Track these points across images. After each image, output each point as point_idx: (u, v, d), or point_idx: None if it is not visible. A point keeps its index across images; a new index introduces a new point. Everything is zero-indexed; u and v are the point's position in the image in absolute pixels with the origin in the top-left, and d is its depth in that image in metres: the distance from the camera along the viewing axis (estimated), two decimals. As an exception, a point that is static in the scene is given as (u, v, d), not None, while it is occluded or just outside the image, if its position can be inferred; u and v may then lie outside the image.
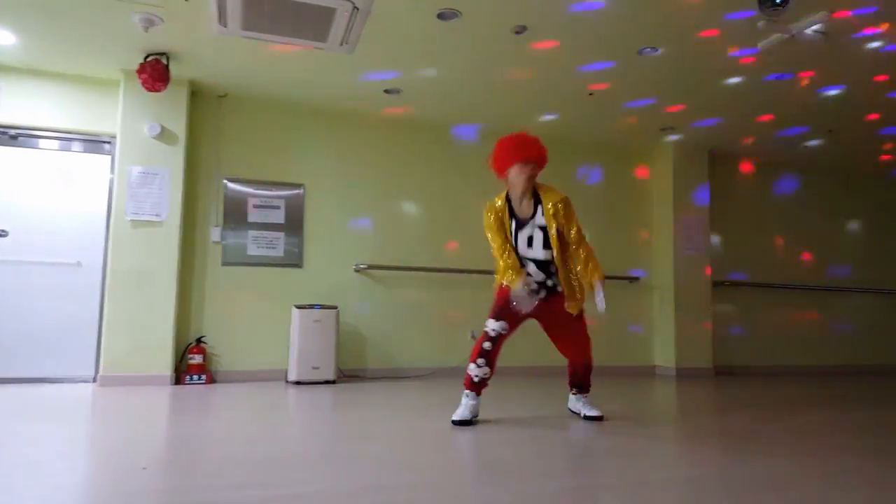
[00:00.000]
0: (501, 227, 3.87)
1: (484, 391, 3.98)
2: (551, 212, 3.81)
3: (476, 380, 3.82)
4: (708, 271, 7.51)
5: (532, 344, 6.10)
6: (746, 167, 8.13)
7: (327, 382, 5.75)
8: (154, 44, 5.05)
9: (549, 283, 3.89)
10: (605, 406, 4.59)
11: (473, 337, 6.73)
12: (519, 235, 3.86)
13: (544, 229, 3.83)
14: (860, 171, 8.56)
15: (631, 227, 7.61)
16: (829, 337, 8.30)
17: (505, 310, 3.81)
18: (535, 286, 3.85)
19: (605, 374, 7.07)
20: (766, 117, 6.51)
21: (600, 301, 3.78)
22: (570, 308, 3.87)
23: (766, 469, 2.76)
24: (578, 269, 3.88)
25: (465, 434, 3.49)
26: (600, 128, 6.92)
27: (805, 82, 5.57)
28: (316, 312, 5.81)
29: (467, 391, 3.86)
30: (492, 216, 3.88)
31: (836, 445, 3.35)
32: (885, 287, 8.63)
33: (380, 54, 5.14)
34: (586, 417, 4.03)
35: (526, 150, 3.80)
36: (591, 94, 5.95)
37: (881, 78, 5.45)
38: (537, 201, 3.88)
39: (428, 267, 6.58)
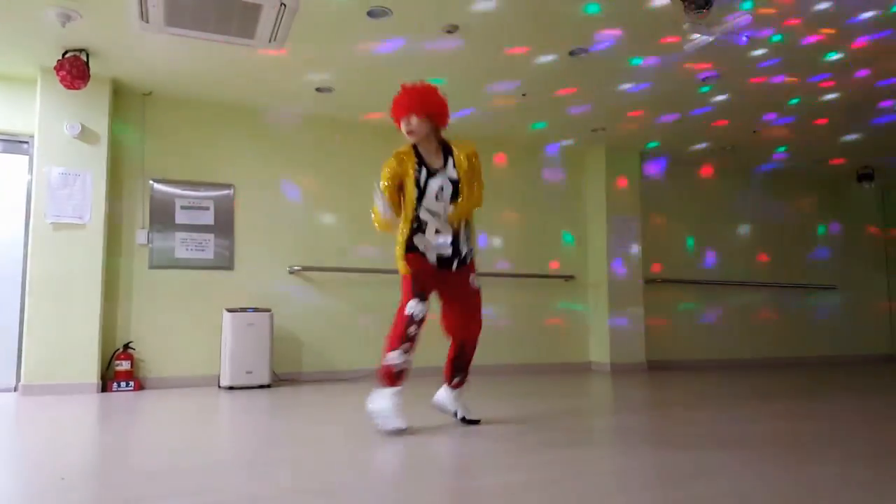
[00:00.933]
0: (398, 183, 3.53)
1: (404, 384, 3.50)
2: (464, 164, 3.56)
3: (397, 370, 3.40)
4: (639, 269, 7.68)
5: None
6: (676, 167, 8.33)
7: (261, 387, 5.64)
8: (73, 40, 4.86)
9: (458, 247, 3.59)
10: (540, 402, 4.64)
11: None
12: (430, 184, 3.51)
13: (455, 182, 3.54)
14: (788, 171, 8.87)
15: (565, 226, 7.71)
16: (756, 331, 8.59)
17: (423, 287, 3.49)
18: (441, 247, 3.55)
19: (542, 372, 7.15)
20: (694, 116, 6.69)
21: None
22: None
23: (692, 459, 2.82)
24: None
25: (391, 436, 3.46)
26: (532, 128, 6.99)
27: (729, 82, 5.76)
28: (249, 316, 5.69)
29: (391, 388, 3.43)
30: (392, 166, 3.52)
31: (759, 434, 3.45)
32: (809, 283, 8.97)
33: (310, 52, 5.07)
34: (465, 420, 3.71)
35: (402, 102, 3.49)
36: (524, 95, 5.99)
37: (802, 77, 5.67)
38: (448, 153, 3.60)
39: (364, 268, 6.52)
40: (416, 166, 3.53)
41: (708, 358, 8.18)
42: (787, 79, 5.63)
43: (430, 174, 3.54)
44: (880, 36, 4.80)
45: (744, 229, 8.71)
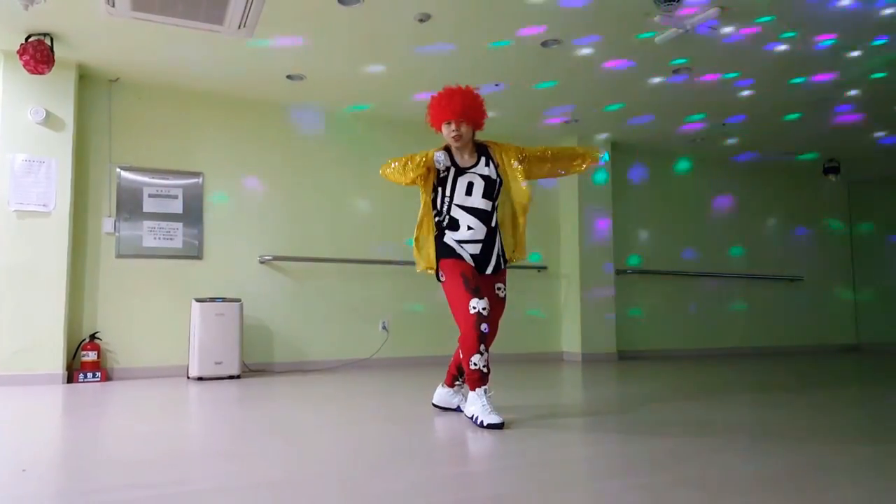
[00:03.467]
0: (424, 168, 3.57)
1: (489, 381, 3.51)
2: (511, 161, 3.70)
3: (485, 370, 3.39)
4: (611, 260, 7.73)
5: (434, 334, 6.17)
6: (646, 157, 8.39)
7: (231, 377, 5.59)
8: (36, 23, 4.75)
9: (490, 249, 3.62)
10: (509, 392, 4.66)
11: (385, 328, 6.69)
12: (458, 181, 3.60)
13: (486, 178, 3.62)
14: (757, 163, 8.98)
15: (538, 217, 7.73)
16: (725, 321, 8.70)
17: (475, 283, 3.46)
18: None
19: (515, 361, 7.17)
20: (665, 108, 6.74)
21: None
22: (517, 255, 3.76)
23: (659, 447, 2.85)
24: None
25: (363, 426, 3.46)
26: (507, 119, 6.98)
27: (699, 74, 5.80)
28: (218, 306, 5.63)
29: (481, 388, 3.43)
30: (419, 157, 3.58)
31: (727, 422, 3.50)
32: (777, 273, 9.11)
33: (280, 39, 5.00)
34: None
35: (451, 107, 3.55)
36: (496, 85, 5.99)
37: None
38: (482, 154, 3.68)
39: (336, 258, 6.48)
40: (447, 168, 3.62)
41: (677, 348, 8.28)
42: (754, 73, 5.70)
43: (459, 172, 3.62)
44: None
45: (714, 221, 8.81)
